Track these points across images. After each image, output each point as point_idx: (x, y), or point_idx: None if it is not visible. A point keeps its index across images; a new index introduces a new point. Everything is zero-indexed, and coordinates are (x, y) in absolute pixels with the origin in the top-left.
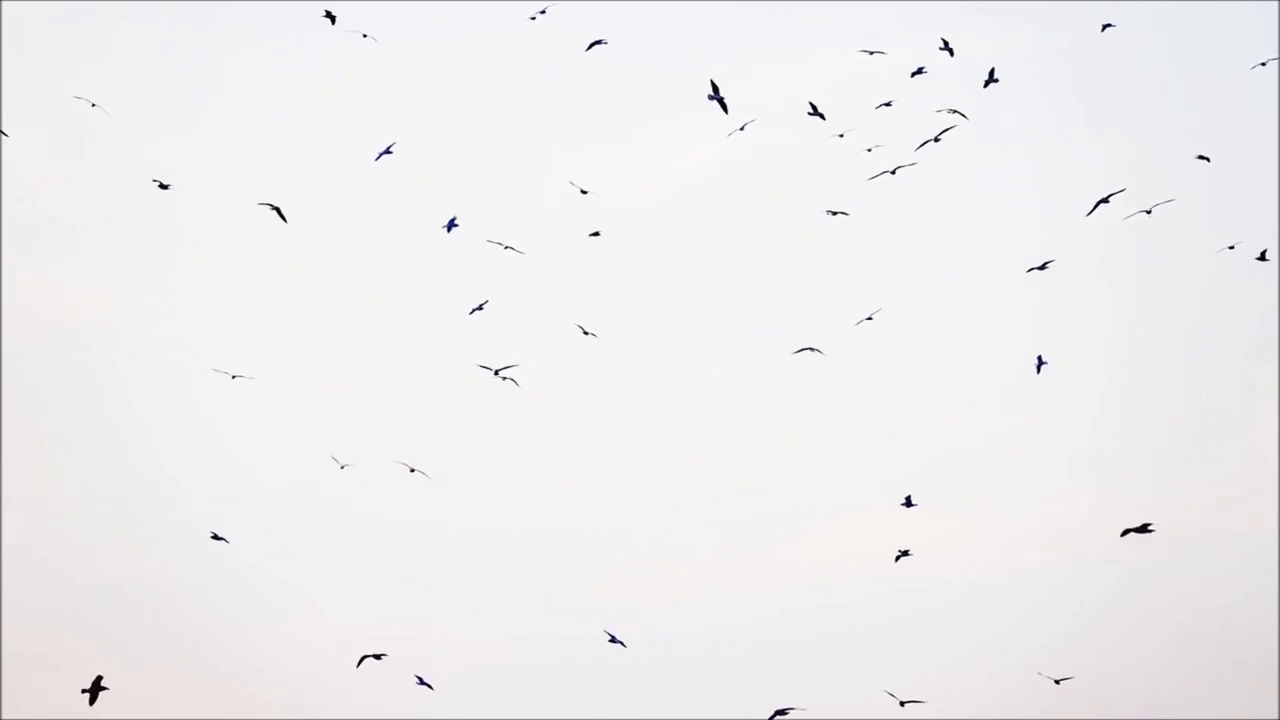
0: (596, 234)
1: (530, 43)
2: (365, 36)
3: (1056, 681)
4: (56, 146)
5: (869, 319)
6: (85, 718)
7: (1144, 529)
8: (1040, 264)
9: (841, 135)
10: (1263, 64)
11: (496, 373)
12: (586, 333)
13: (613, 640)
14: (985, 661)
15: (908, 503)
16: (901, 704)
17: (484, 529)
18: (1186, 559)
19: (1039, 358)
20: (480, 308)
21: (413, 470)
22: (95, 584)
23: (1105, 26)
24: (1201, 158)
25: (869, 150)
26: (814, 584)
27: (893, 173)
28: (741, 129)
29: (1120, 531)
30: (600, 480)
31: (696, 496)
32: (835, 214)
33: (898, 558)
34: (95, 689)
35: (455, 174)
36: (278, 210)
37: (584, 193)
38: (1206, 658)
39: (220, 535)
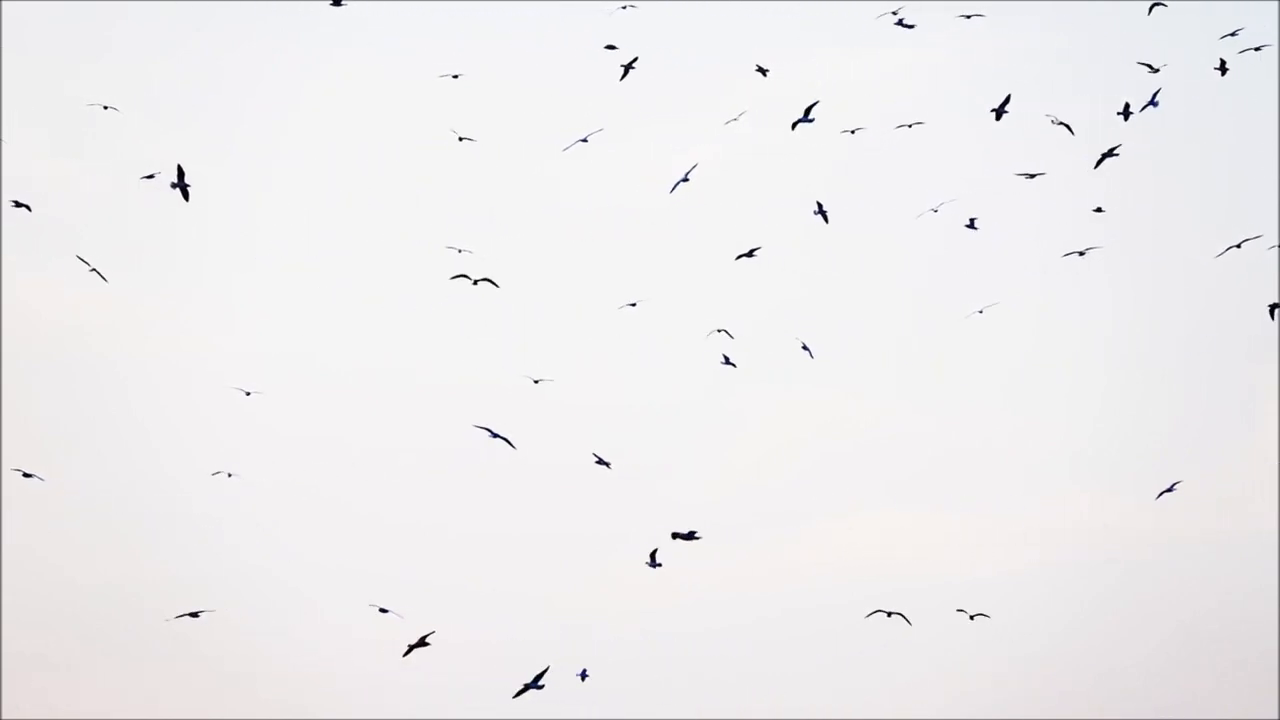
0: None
1: (531, 43)
2: (456, 78)
3: (971, 617)
4: (56, 146)
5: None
6: (85, 718)
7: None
8: (748, 250)
9: (853, 131)
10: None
11: (475, 283)
12: (728, 361)
13: (494, 434)
14: (985, 661)
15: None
16: (888, 615)
17: (484, 529)
18: (1186, 559)
19: (804, 345)
20: (633, 305)
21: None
22: (95, 584)
23: (899, 21)
24: (1060, 124)
25: (852, 132)
26: (814, 584)
27: (935, 210)
28: (736, 119)
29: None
30: (600, 480)
31: (696, 496)
32: (973, 223)
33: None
34: (419, 644)
35: (455, 174)
36: None
37: (461, 140)
38: (1206, 658)
39: (30, 473)
